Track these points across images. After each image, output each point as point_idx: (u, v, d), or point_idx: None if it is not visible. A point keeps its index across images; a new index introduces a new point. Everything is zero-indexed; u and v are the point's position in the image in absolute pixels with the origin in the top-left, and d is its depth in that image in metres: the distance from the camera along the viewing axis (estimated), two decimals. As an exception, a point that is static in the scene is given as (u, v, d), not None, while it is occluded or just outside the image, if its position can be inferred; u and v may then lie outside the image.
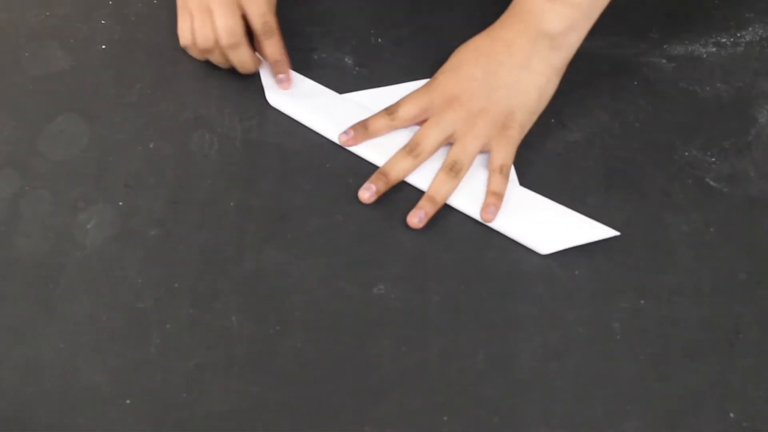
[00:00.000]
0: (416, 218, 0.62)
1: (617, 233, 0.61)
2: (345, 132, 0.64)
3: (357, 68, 0.70)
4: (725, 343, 0.59)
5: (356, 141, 0.64)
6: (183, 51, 0.69)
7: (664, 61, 0.70)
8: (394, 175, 0.63)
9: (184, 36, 0.66)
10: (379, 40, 0.71)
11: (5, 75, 0.69)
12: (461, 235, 0.63)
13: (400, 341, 0.59)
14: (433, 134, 0.63)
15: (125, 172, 0.65)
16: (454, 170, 0.62)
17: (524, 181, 0.65)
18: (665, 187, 0.65)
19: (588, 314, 0.60)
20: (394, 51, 0.70)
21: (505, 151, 0.63)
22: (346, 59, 0.70)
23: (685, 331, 0.60)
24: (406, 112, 0.64)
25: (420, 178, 0.64)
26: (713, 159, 0.66)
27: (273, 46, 0.66)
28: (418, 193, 0.64)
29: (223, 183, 0.64)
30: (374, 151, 0.65)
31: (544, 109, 0.65)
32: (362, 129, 0.64)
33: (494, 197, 0.62)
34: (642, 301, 0.61)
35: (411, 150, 0.63)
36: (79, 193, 0.64)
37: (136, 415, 0.56)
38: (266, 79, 0.68)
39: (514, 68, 0.62)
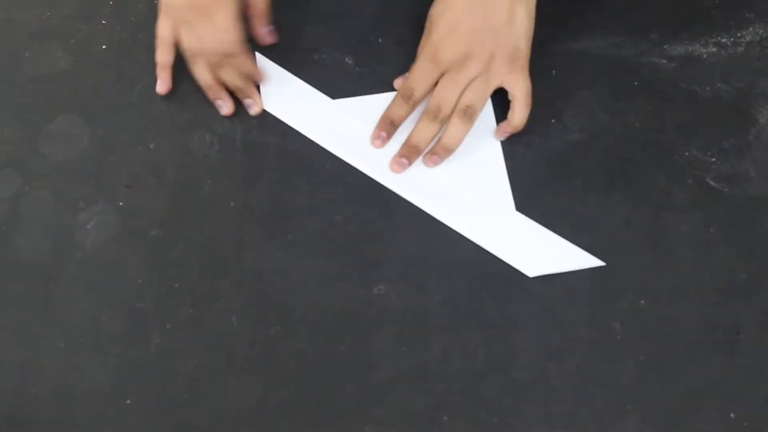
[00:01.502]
0: (432, 162, 0.64)
1: (603, 263, 0.61)
2: (376, 136, 0.65)
3: (357, 68, 0.70)
4: (725, 343, 0.59)
5: (390, 137, 0.65)
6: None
7: (664, 61, 0.70)
8: (424, 145, 0.64)
9: (160, 38, 0.66)
10: (380, 40, 0.71)
11: (5, 75, 0.69)
12: (461, 235, 0.63)
13: (400, 341, 0.59)
14: (453, 95, 0.64)
15: (125, 172, 0.65)
16: (467, 114, 0.64)
17: (525, 181, 0.65)
18: (665, 187, 0.65)
19: (588, 314, 0.60)
20: (394, 51, 0.70)
21: (523, 81, 0.64)
22: (347, 59, 0.70)
23: (685, 331, 0.60)
24: (422, 90, 0.65)
25: (411, 190, 0.64)
26: (713, 159, 0.66)
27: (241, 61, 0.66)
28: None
29: (223, 183, 0.64)
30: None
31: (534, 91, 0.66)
32: (389, 125, 0.65)
33: (516, 123, 0.65)
34: (642, 301, 0.60)
35: (435, 116, 0.64)
36: (80, 194, 0.64)
37: (137, 415, 0.56)
38: (264, 86, 0.68)
39: (507, 5, 0.63)
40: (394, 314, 0.60)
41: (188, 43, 0.65)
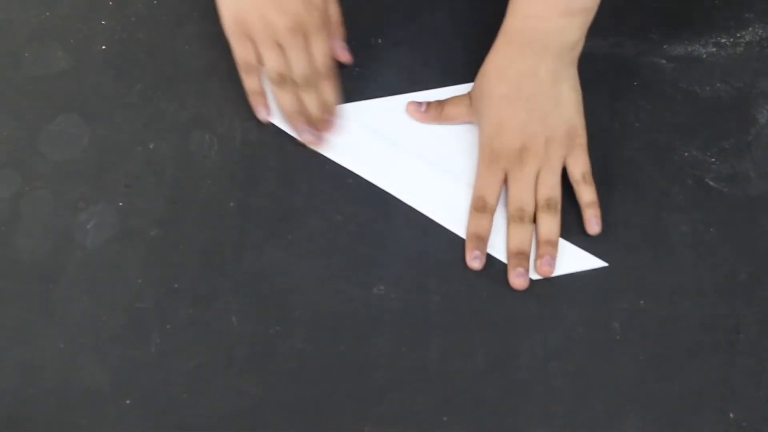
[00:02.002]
0: (547, 266, 0.60)
1: (605, 264, 0.61)
2: (472, 258, 0.61)
3: (357, 69, 0.70)
4: (725, 343, 0.59)
5: (484, 254, 0.61)
6: (183, 51, 0.69)
7: (664, 61, 0.70)
8: (528, 247, 0.61)
9: (248, 63, 0.63)
10: (379, 41, 0.71)
11: (5, 75, 0.69)
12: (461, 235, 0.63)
13: (400, 341, 0.59)
14: (528, 192, 0.62)
15: (125, 172, 0.65)
16: (551, 206, 0.61)
17: (524, 181, 0.65)
18: (665, 187, 0.65)
19: (588, 314, 0.60)
20: (394, 52, 0.70)
21: (582, 161, 0.62)
22: (346, 59, 0.70)
23: (686, 331, 0.60)
24: (493, 195, 0.62)
25: (412, 196, 0.64)
26: (713, 159, 0.66)
27: (329, 88, 0.64)
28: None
29: (223, 183, 0.64)
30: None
31: None
32: (479, 241, 0.61)
33: (591, 208, 0.62)
34: (642, 301, 0.60)
35: (521, 219, 0.61)
36: (79, 194, 0.64)
37: (136, 415, 0.56)
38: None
39: (550, 89, 0.61)
40: (394, 314, 0.60)
41: (279, 67, 0.62)
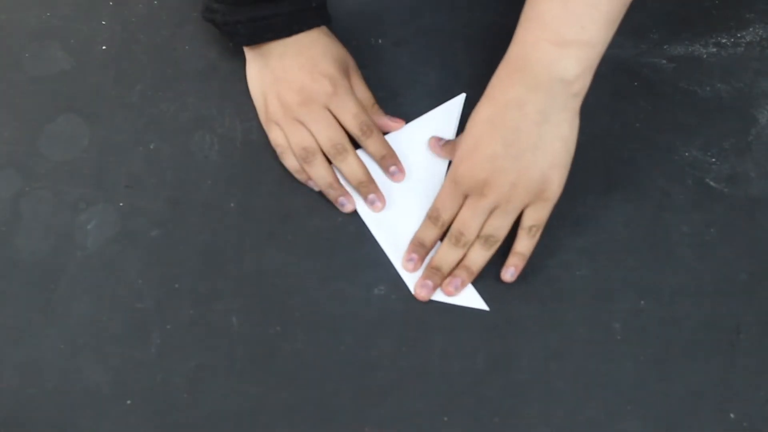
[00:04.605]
0: (453, 287, 0.60)
1: (487, 309, 0.60)
2: (408, 259, 0.61)
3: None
4: (726, 343, 0.59)
5: (422, 260, 0.61)
6: (184, 51, 0.69)
7: (664, 61, 0.70)
8: (447, 268, 0.61)
9: (280, 144, 0.63)
10: (380, 41, 0.71)
11: (6, 75, 0.69)
12: (461, 235, 0.63)
13: (400, 341, 0.59)
14: (475, 222, 0.59)
15: (125, 172, 0.65)
16: (489, 242, 0.59)
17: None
18: (665, 188, 0.65)
19: (588, 314, 0.60)
20: (394, 52, 0.70)
21: (539, 214, 0.59)
22: (347, 59, 0.70)
23: (686, 332, 0.60)
24: (448, 212, 0.61)
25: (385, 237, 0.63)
26: (713, 159, 0.66)
27: (375, 143, 0.63)
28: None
29: (224, 184, 0.64)
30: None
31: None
32: (420, 247, 0.61)
33: (517, 257, 0.60)
34: (642, 302, 0.60)
35: (457, 241, 0.60)
36: (80, 194, 0.64)
37: (137, 416, 0.56)
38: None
39: (533, 128, 0.56)
40: (394, 315, 0.60)
41: (303, 141, 0.62)
